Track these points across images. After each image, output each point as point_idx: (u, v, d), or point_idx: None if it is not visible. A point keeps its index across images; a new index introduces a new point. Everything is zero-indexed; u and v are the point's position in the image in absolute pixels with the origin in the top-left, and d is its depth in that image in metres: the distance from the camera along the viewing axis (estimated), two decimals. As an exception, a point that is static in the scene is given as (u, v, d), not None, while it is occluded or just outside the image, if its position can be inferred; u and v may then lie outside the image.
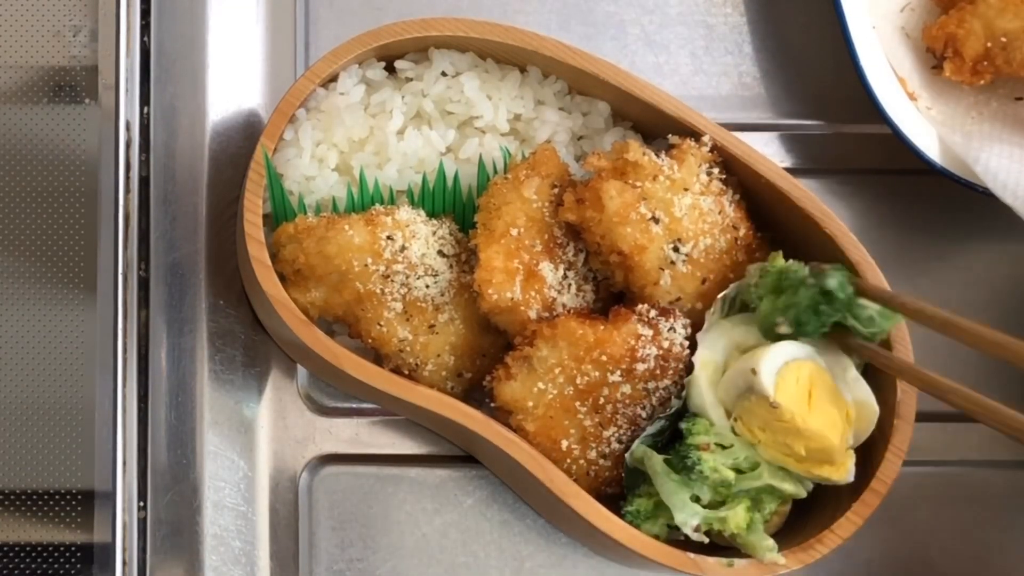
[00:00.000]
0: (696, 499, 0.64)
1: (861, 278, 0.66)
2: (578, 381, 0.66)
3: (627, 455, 0.66)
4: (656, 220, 0.66)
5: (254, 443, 0.77)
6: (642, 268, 0.66)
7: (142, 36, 0.79)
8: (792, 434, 0.63)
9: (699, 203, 0.67)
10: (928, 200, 0.81)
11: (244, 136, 0.79)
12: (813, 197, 0.68)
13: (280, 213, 0.70)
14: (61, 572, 0.74)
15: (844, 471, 0.65)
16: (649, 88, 0.70)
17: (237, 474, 0.76)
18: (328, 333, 0.69)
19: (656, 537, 0.65)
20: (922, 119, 0.76)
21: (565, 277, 0.68)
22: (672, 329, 0.66)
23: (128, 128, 0.78)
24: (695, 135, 0.69)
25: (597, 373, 0.65)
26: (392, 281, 0.67)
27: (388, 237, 0.67)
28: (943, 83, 0.77)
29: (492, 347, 0.70)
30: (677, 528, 0.64)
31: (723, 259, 0.68)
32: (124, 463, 0.75)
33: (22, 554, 0.74)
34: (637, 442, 0.65)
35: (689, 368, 0.66)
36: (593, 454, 0.67)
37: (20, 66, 0.78)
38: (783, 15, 0.83)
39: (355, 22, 0.81)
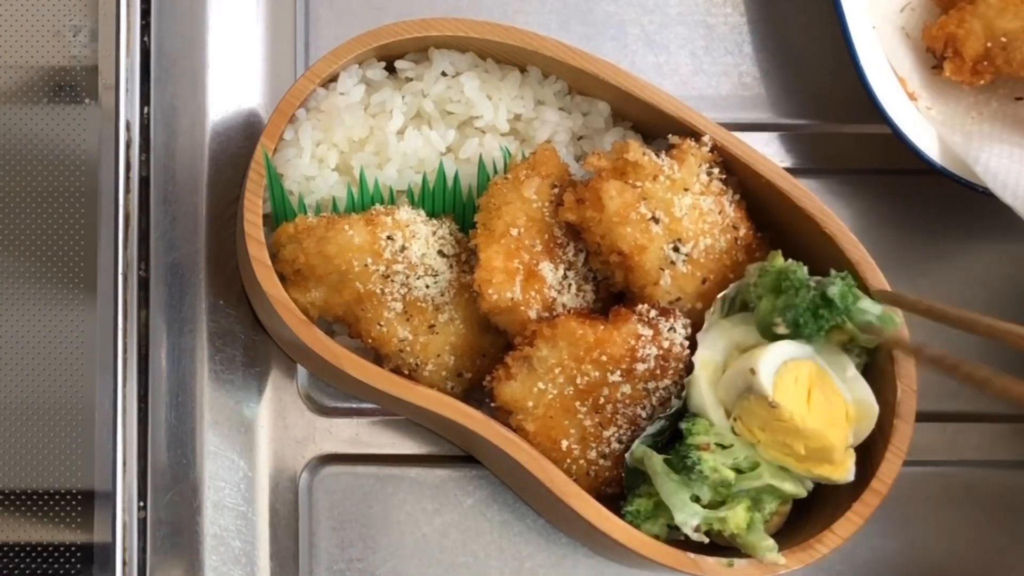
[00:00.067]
0: (696, 499, 0.64)
1: (866, 285, 0.66)
2: (578, 381, 0.66)
3: (627, 455, 0.66)
4: (656, 220, 0.66)
5: (254, 443, 0.77)
6: (642, 268, 0.66)
7: (142, 36, 0.79)
8: (792, 433, 0.63)
9: (699, 203, 0.67)
10: (928, 200, 0.81)
11: (244, 136, 0.79)
12: (813, 197, 0.68)
13: (280, 213, 0.70)
14: (61, 572, 0.74)
15: (844, 470, 0.65)
16: (649, 88, 0.70)
17: (237, 474, 0.76)
18: (328, 333, 0.69)
19: (656, 537, 0.65)
20: (922, 119, 0.76)
21: (565, 277, 0.68)
22: (672, 329, 0.66)
23: (128, 128, 0.78)
24: (695, 135, 0.69)
25: (597, 373, 0.65)
26: (392, 281, 0.67)
27: (388, 237, 0.67)
28: (943, 83, 0.77)
29: (492, 347, 0.70)
30: (677, 528, 0.64)
31: (723, 259, 0.68)
32: (124, 463, 0.75)
33: (22, 554, 0.74)
34: (637, 442, 0.65)
35: (689, 368, 0.66)
36: (593, 454, 0.67)
37: (20, 66, 0.78)
38: (783, 15, 0.83)
39: (355, 22, 0.81)
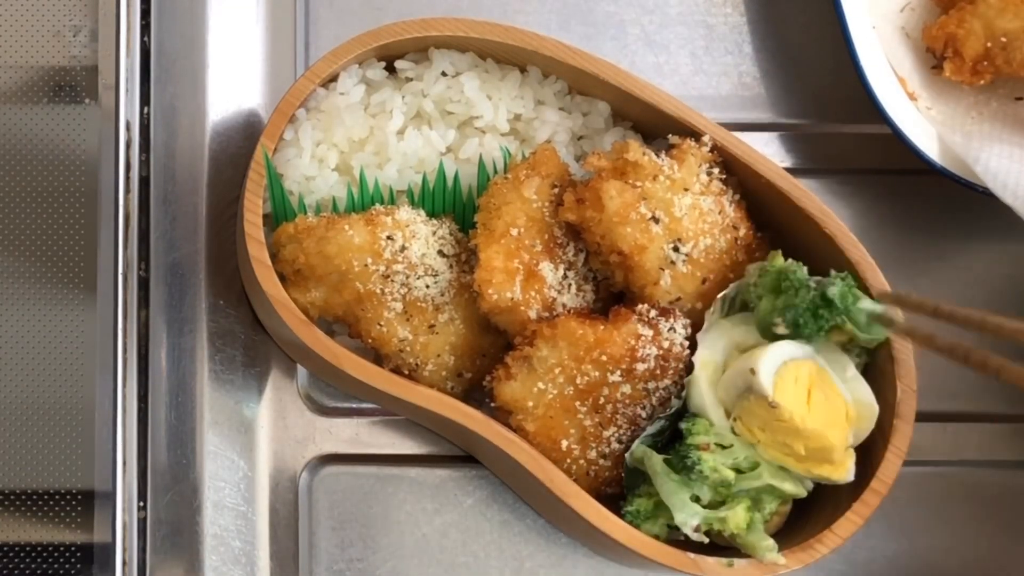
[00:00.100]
0: (696, 499, 0.64)
1: (866, 285, 0.66)
2: (578, 381, 0.66)
3: (627, 455, 0.66)
4: (656, 220, 0.66)
5: (254, 443, 0.77)
6: (642, 268, 0.66)
7: (142, 36, 0.79)
8: (792, 434, 0.63)
9: (699, 203, 0.67)
10: (928, 200, 0.80)
11: (244, 136, 0.79)
12: (813, 197, 0.68)
13: (280, 213, 0.70)
14: (61, 572, 0.74)
15: (844, 470, 0.65)
16: (649, 88, 0.70)
17: (237, 474, 0.76)
18: (328, 333, 0.69)
19: (656, 537, 0.65)
20: (922, 119, 0.76)
21: (565, 277, 0.68)
22: (672, 329, 0.66)
23: (128, 128, 0.78)
24: (695, 135, 0.69)
25: (597, 373, 0.65)
26: (392, 281, 0.67)
27: (388, 237, 0.67)
28: (943, 83, 0.77)
29: (492, 347, 0.70)
30: (677, 528, 0.64)
31: (723, 259, 0.68)
32: (124, 463, 0.75)
33: (22, 554, 0.74)
34: (637, 442, 0.65)
35: (689, 368, 0.66)
36: (593, 454, 0.67)
37: (20, 66, 0.78)
38: (783, 15, 0.83)
39: (355, 22, 0.81)
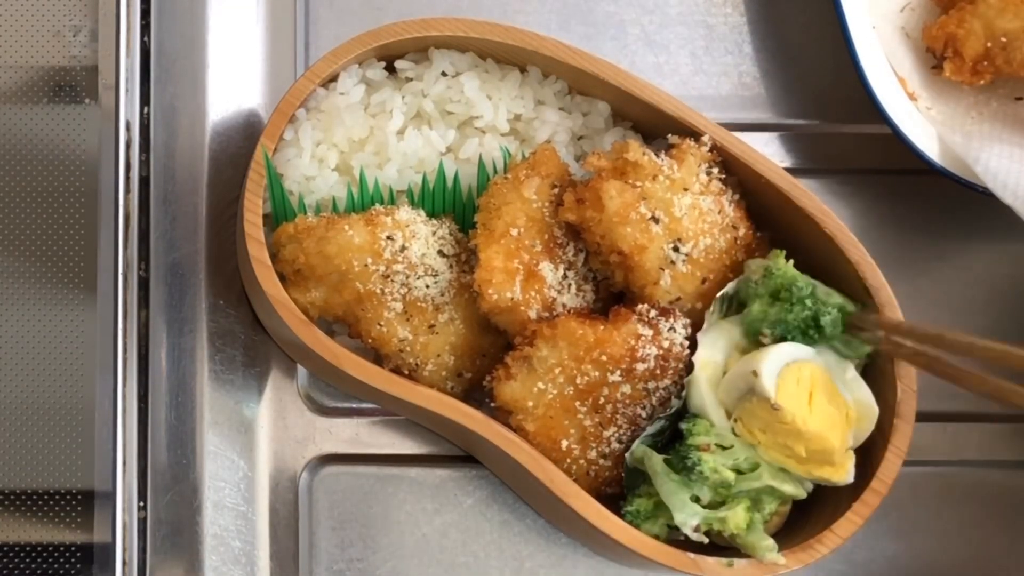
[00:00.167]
0: (696, 499, 0.64)
1: (867, 311, 0.67)
2: (578, 381, 0.66)
3: (627, 455, 0.66)
4: (656, 220, 0.66)
5: (254, 443, 0.77)
6: (642, 268, 0.66)
7: (142, 36, 0.79)
8: (793, 435, 0.63)
9: (699, 203, 0.67)
10: (928, 200, 0.80)
11: (244, 136, 0.79)
12: (813, 197, 0.68)
13: (280, 213, 0.70)
14: (61, 572, 0.74)
15: (844, 472, 0.65)
16: (649, 88, 0.70)
17: (237, 474, 0.76)
18: (328, 333, 0.69)
19: (656, 537, 0.65)
20: (922, 119, 0.76)
21: (565, 277, 0.68)
22: (672, 329, 0.66)
23: (128, 128, 0.78)
24: (695, 135, 0.69)
25: (597, 373, 0.65)
26: (392, 281, 0.67)
27: (388, 237, 0.67)
28: (943, 83, 0.77)
29: (492, 347, 0.70)
30: (677, 528, 0.64)
31: (723, 259, 0.68)
32: (124, 463, 0.75)
33: (22, 554, 0.74)
34: (637, 442, 0.65)
35: (689, 368, 0.66)
36: (593, 454, 0.67)
37: (20, 66, 0.78)
38: (783, 15, 0.83)
39: (355, 22, 0.81)
